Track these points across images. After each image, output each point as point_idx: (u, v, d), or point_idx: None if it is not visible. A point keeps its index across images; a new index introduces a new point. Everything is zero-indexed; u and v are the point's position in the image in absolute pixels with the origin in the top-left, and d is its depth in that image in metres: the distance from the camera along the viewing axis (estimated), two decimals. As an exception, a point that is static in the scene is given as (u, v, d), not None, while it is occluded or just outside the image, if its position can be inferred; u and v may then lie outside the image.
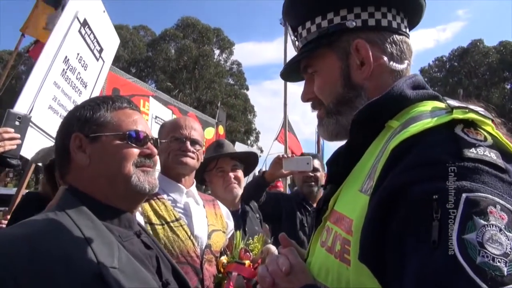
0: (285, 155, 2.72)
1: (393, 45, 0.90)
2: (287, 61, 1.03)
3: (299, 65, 1.00)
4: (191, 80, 36.54)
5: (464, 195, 0.58)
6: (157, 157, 1.17)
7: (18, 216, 1.81)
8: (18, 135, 1.98)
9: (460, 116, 0.68)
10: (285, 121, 6.18)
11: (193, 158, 1.84)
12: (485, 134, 0.67)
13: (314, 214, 0.98)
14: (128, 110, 1.14)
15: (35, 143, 2.37)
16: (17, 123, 2.02)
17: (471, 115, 0.68)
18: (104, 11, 3.33)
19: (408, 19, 0.95)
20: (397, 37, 0.91)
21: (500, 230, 0.55)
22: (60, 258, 0.83)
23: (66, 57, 2.82)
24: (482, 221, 0.56)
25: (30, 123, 2.22)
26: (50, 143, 2.60)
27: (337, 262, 0.75)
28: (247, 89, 41.88)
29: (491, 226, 0.55)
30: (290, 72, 1.05)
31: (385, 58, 0.89)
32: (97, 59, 3.36)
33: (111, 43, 3.59)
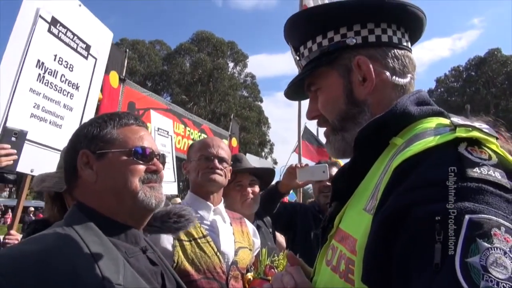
0: (299, 165, 2.62)
1: (395, 59, 0.90)
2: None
3: (303, 84, 1.00)
4: (205, 93, 36.98)
5: (467, 216, 0.56)
6: (163, 173, 1.19)
7: None
8: (15, 151, 2.00)
9: (464, 135, 0.66)
10: (299, 131, 6.16)
11: (221, 175, 1.92)
12: (490, 152, 0.65)
13: (320, 231, 0.97)
14: (135, 127, 1.16)
15: (24, 154, 2.27)
16: (13, 139, 2.04)
17: (475, 134, 0.66)
18: (80, 5, 3.07)
19: (409, 34, 0.95)
20: (398, 51, 0.91)
21: (505, 253, 0.53)
22: (66, 275, 0.84)
23: (39, 60, 2.63)
24: (486, 244, 0.54)
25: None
26: (41, 151, 2.49)
27: (341, 282, 0.74)
28: (261, 101, 42.09)
29: (495, 249, 0.53)
30: (295, 90, 1.05)
31: (387, 73, 0.89)
32: (86, 57, 3.15)
33: (99, 37, 3.32)
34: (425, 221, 0.59)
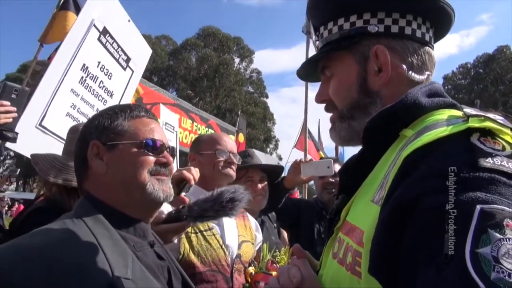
0: (303, 159, 2.60)
1: (415, 54, 0.87)
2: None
3: (317, 65, 0.98)
4: (211, 88, 37.00)
5: (478, 206, 0.55)
6: (173, 166, 1.18)
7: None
8: (14, 109, 1.94)
9: (477, 125, 0.65)
10: (305, 125, 6.12)
11: (233, 170, 1.96)
12: (503, 143, 0.64)
13: (326, 224, 0.96)
14: (146, 119, 1.16)
15: (53, 151, 2.36)
16: (13, 96, 1.96)
17: (488, 124, 0.65)
18: (129, 21, 3.28)
19: (434, 30, 0.92)
20: (419, 47, 0.88)
21: None
22: (75, 268, 0.84)
23: (84, 65, 2.80)
24: (498, 235, 0.52)
25: (46, 130, 2.20)
26: None
27: (348, 275, 0.73)
28: (267, 97, 42.02)
29: (507, 240, 0.52)
30: (308, 71, 1.03)
31: (404, 67, 0.86)
32: (124, 68, 3.32)
33: (140, 52, 3.54)
34: (434, 212, 0.58)
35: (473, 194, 0.56)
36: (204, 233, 1.75)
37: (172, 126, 4.45)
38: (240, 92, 38.31)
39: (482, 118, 0.66)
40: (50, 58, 4.06)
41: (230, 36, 39.83)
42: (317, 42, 0.99)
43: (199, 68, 37.17)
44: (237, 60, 40.85)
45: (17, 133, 2.02)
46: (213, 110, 32.41)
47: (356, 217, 0.79)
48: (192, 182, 1.43)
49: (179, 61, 38.29)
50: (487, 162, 0.59)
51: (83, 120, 2.91)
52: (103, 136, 1.08)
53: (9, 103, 1.92)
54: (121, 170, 1.06)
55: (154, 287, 0.94)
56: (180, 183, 1.42)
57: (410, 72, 0.86)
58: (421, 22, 0.88)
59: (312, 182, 3.27)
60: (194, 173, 1.47)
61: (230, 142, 2.01)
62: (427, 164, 0.63)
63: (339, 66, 0.92)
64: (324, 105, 0.99)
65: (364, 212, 0.75)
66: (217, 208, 1.25)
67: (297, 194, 5.76)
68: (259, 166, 2.50)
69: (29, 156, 1.85)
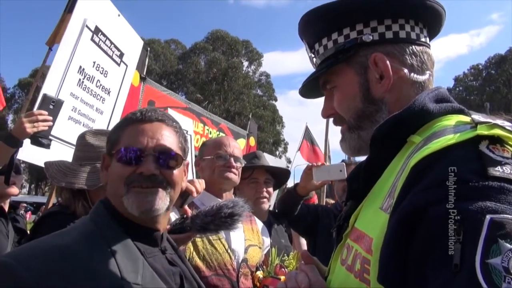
0: (315, 164, 2.49)
1: (413, 56, 0.88)
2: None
3: (318, 82, 0.99)
4: (220, 92, 37.13)
5: (488, 216, 0.54)
6: (175, 173, 1.06)
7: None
8: (51, 118, 2.14)
9: (485, 132, 0.64)
10: (327, 129, 6.03)
11: (235, 174, 1.95)
12: None
13: (335, 230, 0.96)
14: (138, 125, 1.06)
15: (60, 155, 2.41)
16: (51, 106, 2.18)
17: (497, 131, 0.64)
18: (119, 15, 3.27)
19: (428, 29, 0.92)
20: (416, 48, 0.88)
21: None
22: (87, 271, 0.85)
23: (80, 67, 2.83)
24: (508, 245, 0.52)
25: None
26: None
27: (357, 282, 0.73)
28: (276, 100, 41.99)
29: None
30: (309, 89, 1.04)
31: (405, 70, 0.87)
32: (118, 64, 3.34)
33: (132, 45, 3.54)
34: (444, 220, 0.57)
35: (483, 203, 0.56)
36: (210, 237, 1.74)
37: (185, 130, 4.45)
38: (249, 95, 38.35)
39: (492, 125, 0.66)
40: None
41: (239, 39, 39.96)
42: (314, 59, 1.00)
43: (208, 72, 37.35)
44: (245, 63, 40.95)
45: (50, 140, 2.22)
46: (222, 114, 32.49)
47: (364, 224, 0.79)
48: (195, 194, 1.43)
49: (188, 65, 38.52)
50: (496, 171, 0.58)
51: (85, 121, 2.93)
52: (108, 147, 1.09)
53: (46, 113, 2.12)
54: (110, 182, 1.05)
55: None
56: (184, 195, 1.43)
57: (412, 74, 0.87)
58: (414, 24, 0.89)
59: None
60: (197, 185, 1.47)
61: (232, 145, 2.00)
62: (436, 172, 0.62)
63: (340, 80, 0.93)
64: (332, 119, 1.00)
65: (373, 220, 0.75)
66: (218, 222, 1.27)
67: (314, 199, 5.64)
68: (263, 167, 2.50)
69: (40, 165, 1.93)
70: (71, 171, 1.69)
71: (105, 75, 3.15)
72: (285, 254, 2.02)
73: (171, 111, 4.45)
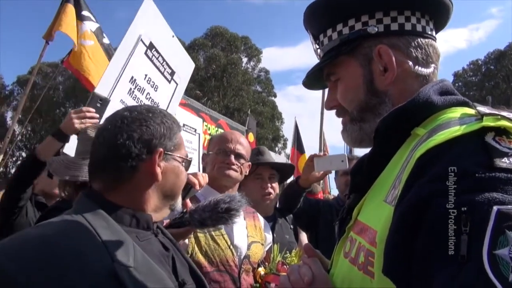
0: (317, 154, 2.46)
1: (418, 49, 0.87)
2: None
3: (321, 73, 0.98)
4: (219, 88, 37.07)
5: (495, 207, 0.54)
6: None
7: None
8: (98, 115, 2.20)
9: (491, 124, 0.63)
10: (321, 124, 6.06)
11: (236, 171, 1.92)
12: None
13: (338, 223, 0.96)
14: (179, 133, 1.18)
15: None
16: (98, 104, 2.26)
17: (503, 123, 0.63)
18: (173, 36, 3.43)
19: (434, 21, 0.91)
20: (422, 40, 0.88)
21: None
22: (74, 257, 0.85)
23: (132, 77, 2.94)
24: None
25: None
26: None
27: (360, 274, 0.73)
28: (275, 96, 41.96)
29: None
30: (313, 80, 1.03)
31: (410, 63, 0.86)
32: (169, 81, 3.45)
33: (184, 66, 3.67)
34: (450, 212, 0.57)
35: (490, 194, 0.55)
36: (212, 233, 1.74)
37: (194, 128, 4.48)
38: (248, 91, 38.28)
39: (498, 117, 0.65)
40: (63, 62, 4.12)
41: (238, 35, 39.82)
42: (319, 50, 0.99)
43: (207, 68, 37.25)
44: (245, 59, 40.85)
45: None
46: (221, 110, 32.43)
47: (368, 216, 0.78)
48: (197, 187, 1.43)
49: (187, 61, 38.35)
50: (503, 162, 0.58)
51: None
52: (168, 145, 1.09)
53: (94, 110, 2.19)
54: (168, 180, 1.09)
55: (158, 274, 0.94)
56: (186, 187, 1.43)
57: (417, 66, 0.86)
58: (420, 16, 0.88)
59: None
60: (200, 178, 1.47)
61: (235, 141, 1.96)
62: (441, 164, 0.62)
63: (343, 71, 0.92)
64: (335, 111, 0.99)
65: (376, 212, 0.74)
66: (215, 217, 1.28)
67: (320, 195, 5.55)
68: (268, 164, 2.49)
69: None
70: (74, 164, 1.70)
71: (156, 89, 3.26)
72: (288, 251, 2.02)
73: (179, 109, 4.49)
